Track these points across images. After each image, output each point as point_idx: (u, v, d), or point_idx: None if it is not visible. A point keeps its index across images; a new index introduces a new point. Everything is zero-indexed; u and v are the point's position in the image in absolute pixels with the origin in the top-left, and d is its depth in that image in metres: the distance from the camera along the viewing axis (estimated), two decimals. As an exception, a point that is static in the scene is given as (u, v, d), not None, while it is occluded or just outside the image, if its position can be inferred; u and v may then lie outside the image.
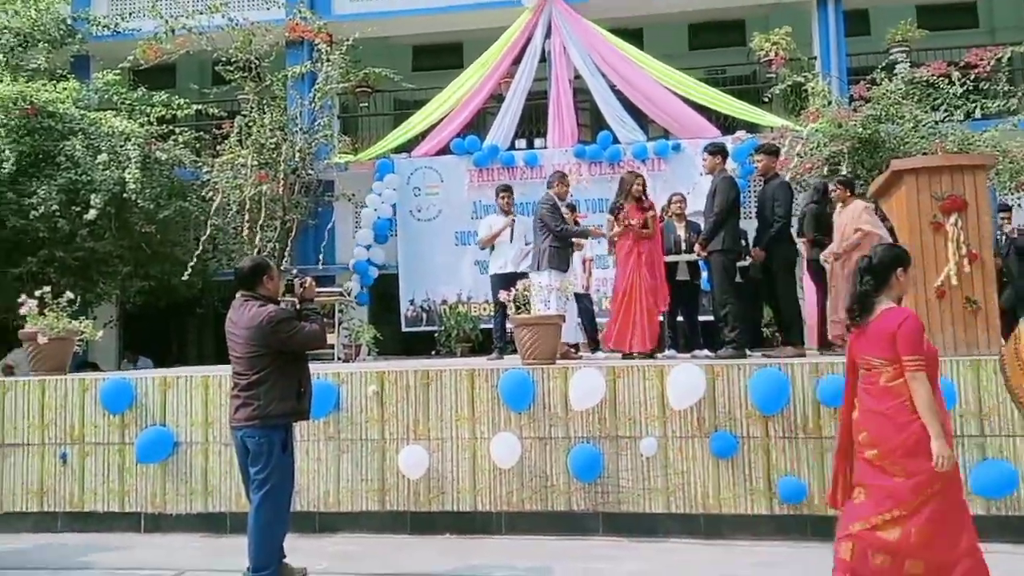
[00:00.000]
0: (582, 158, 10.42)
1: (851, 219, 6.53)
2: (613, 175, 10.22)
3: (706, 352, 7.07)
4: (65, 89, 10.11)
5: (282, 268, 9.63)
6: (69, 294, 6.49)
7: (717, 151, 6.82)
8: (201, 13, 10.65)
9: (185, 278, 9.65)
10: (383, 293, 11.26)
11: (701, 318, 7.95)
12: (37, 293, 6.31)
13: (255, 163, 10.27)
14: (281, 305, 4.41)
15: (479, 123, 11.53)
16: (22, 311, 6.27)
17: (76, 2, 12.11)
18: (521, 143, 11.02)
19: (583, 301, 7.99)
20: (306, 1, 12.07)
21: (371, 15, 11.85)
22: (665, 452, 5.30)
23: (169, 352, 13.09)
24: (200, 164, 10.79)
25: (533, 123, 11.63)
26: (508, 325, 7.35)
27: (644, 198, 6.95)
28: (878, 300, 3.38)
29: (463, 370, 5.62)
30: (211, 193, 10.30)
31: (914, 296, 5.50)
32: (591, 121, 11.74)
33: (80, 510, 5.89)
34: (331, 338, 8.30)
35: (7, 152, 8.99)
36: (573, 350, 7.32)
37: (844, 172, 7.97)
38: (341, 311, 9.50)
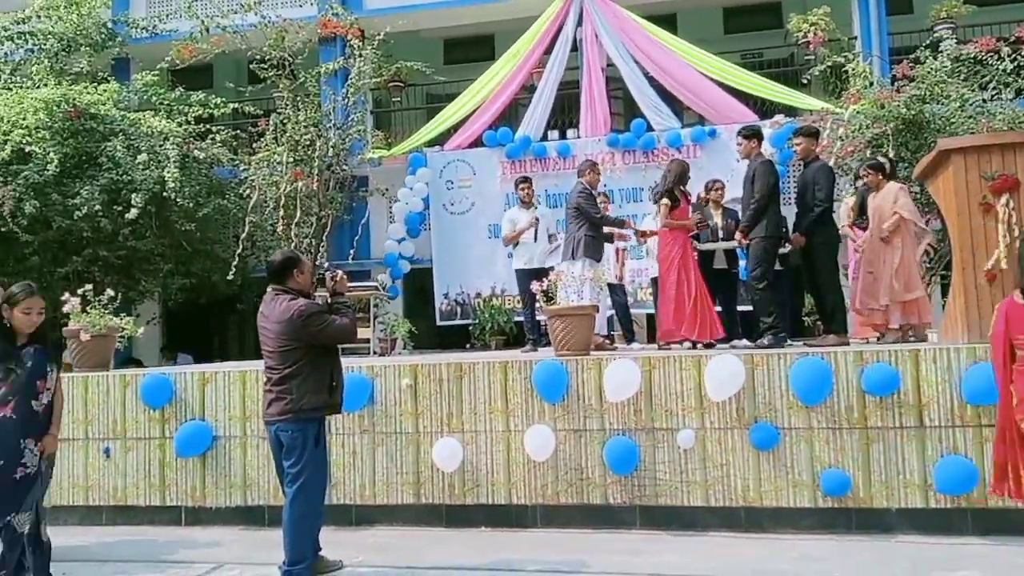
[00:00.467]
0: (615, 147, 10.28)
1: (888, 202, 6.31)
2: (647, 164, 10.11)
3: (745, 342, 6.91)
4: (106, 91, 10.31)
5: (316, 263, 9.71)
6: (110, 291, 6.61)
7: (752, 135, 6.67)
8: (235, 12, 10.80)
9: (229, 277, 9.78)
10: (418, 287, 11.29)
11: (740, 308, 7.78)
12: (79, 291, 6.41)
13: (290, 160, 10.37)
14: (313, 299, 4.41)
15: (511, 114, 11.48)
16: (64, 308, 6.39)
17: (116, 5, 12.34)
18: (553, 134, 10.91)
19: (617, 292, 7.89)
20: (337, -3, 12.13)
21: (402, 9, 11.82)
22: (703, 444, 5.20)
23: (211, 348, 13.31)
24: (237, 162, 10.93)
25: (565, 113, 11.53)
26: (540, 317, 7.30)
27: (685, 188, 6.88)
28: None
29: (496, 362, 5.58)
30: (248, 191, 10.42)
31: (963, 279, 5.30)
32: (624, 109, 11.57)
33: (123, 504, 6.01)
34: (366, 332, 8.33)
35: (51, 155, 9.19)
36: (608, 341, 7.24)
37: (889, 154, 7.69)
38: (376, 305, 9.54)
